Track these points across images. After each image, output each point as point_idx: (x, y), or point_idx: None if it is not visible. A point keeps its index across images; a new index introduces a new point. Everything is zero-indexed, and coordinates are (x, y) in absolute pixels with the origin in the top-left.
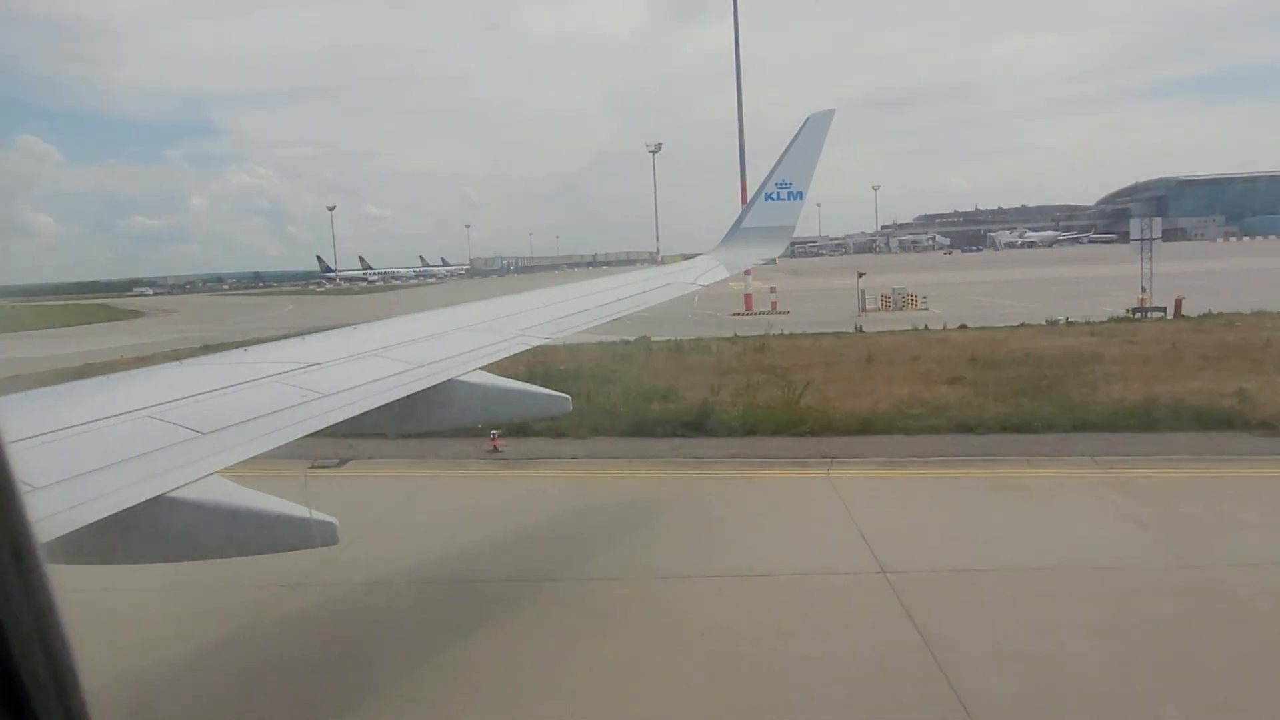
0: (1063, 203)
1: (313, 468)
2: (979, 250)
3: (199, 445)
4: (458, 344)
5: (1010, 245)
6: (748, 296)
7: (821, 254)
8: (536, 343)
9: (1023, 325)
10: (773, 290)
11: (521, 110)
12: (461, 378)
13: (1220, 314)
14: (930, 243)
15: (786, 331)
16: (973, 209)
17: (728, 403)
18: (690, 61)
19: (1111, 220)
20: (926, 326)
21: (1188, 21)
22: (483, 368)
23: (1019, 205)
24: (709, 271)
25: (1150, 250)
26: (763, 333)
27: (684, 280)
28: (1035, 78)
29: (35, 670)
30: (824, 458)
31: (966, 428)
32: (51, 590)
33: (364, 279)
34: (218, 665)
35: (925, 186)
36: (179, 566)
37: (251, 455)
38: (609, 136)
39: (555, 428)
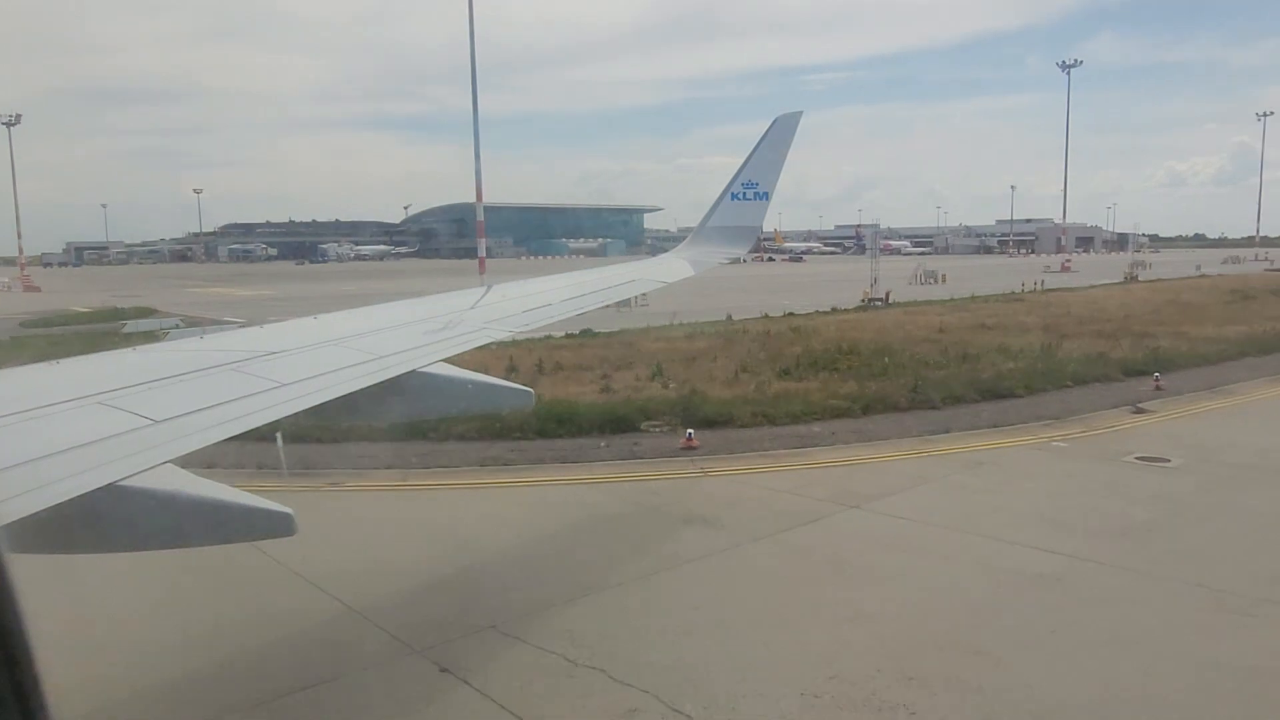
0: (374, 219)
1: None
2: (325, 261)
3: (151, 433)
4: (420, 336)
5: (341, 258)
6: None
7: (132, 262)
8: (501, 336)
9: (834, 309)
10: None
11: None
12: (424, 369)
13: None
14: (261, 252)
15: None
16: (288, 220)
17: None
18: None
19: (421, 237)
20: (728, 317)
21: (405, 65)
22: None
23: (334, 220)
24: (674, 269)
25: (877, 254)
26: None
27: (650, 277)
28: (277, 94)
29: None
30: None
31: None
32: (10, 583)
33: None
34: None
35: (167, 192)
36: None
37: (206, 444)
38: None
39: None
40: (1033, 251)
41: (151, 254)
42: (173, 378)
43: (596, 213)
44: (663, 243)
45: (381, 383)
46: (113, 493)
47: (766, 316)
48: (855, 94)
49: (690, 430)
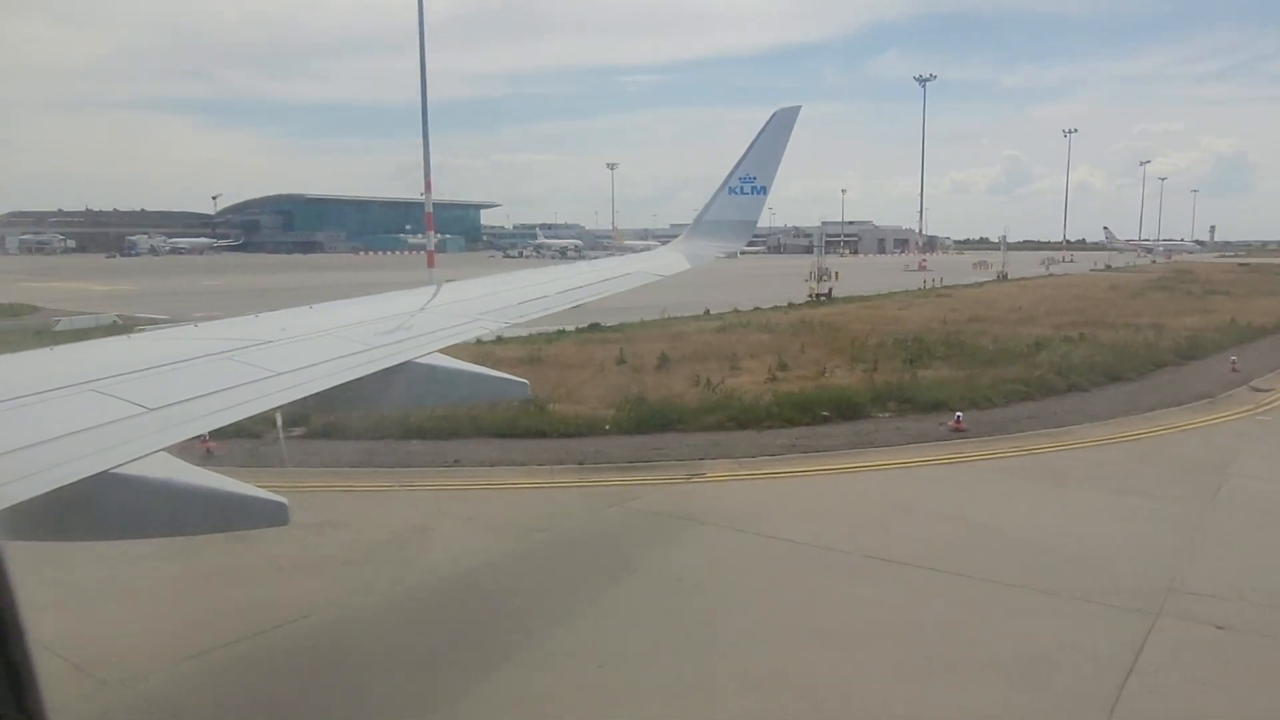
0: (181, 209)
1: None
2: (137, 254)
3: (145, 421)
4: (414, 326)
5: (156, 251)
6: None
7: None
8: (495, 327)
9: (790, 305)
10: None
11: None
12: (419, 360)
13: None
14: (59, 244)
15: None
16: (84, 209)
17: None
18: None
19: (243, 230)
20: (706, 311)
21: (195, 43)
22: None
23: (139, 209)
24: (671, 262)
25: (822, 253)
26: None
27: (646, 270)
28: (52, 69)
29: None
30: None
31: None
32: (6, 571)
33: None
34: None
35: None
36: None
37: (199, 432)
38: None
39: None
40: (856, 251)
41: None
42: (165, 365)
43: (435, 208)
44: (499, 239)
45: (377, 373)
46: (106, 480)
47: (737, 311)
48: (668, 96)
49: (959, 413)
